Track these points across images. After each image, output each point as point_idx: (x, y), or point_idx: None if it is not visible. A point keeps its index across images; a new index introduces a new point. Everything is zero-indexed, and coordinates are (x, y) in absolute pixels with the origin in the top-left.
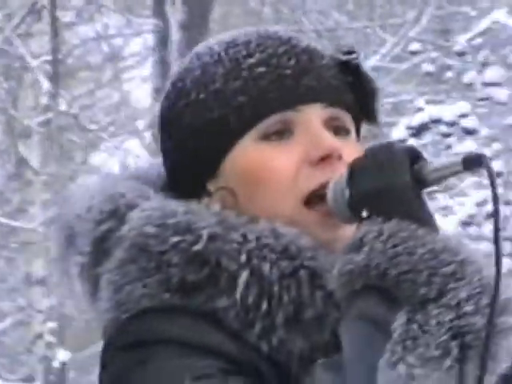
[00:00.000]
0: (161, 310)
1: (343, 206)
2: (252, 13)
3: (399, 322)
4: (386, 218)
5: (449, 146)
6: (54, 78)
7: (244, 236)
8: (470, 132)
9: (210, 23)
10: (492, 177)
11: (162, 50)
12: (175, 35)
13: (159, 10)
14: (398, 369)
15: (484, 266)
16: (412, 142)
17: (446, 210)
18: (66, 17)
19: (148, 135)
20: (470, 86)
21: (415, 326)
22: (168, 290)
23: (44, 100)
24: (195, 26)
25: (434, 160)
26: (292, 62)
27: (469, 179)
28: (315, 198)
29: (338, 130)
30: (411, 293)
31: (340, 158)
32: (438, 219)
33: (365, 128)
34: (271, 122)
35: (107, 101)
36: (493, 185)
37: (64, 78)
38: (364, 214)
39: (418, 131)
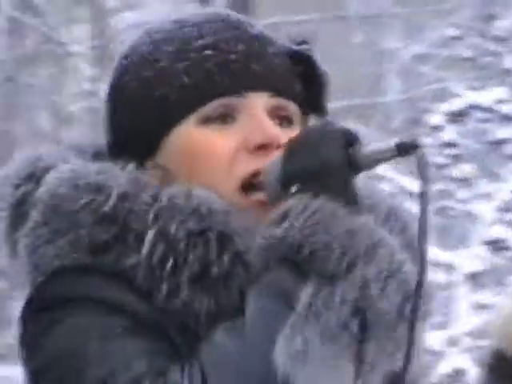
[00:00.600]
0: (73, 269)
1: (275, 183)
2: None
3: (304, 295)
4: (313, 196)
5: (488, 132)
6: (98, 63)
7: (154, 196)
8: (509, 118)
9: (251, 8)
10: (422, 163)
11: None
12: None
13: None
14: (295, 342)
15: (397, 251)
16: (450, 128)
17: (485, 197)
18: (110, 2)
19: None
20: (509, 71)
21: (319, 302)
22: (79, 250)
23: (87, 86)
24: (241, 12)
25: (373, 143)
26: (241, 47)
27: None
28: (251, 186)
29: (282, 120)
30: (321, 268)
31: (279, 147)
32: (477, 205)
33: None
34: (214, 106)
35: None
36: (423, 171)
37: (108, 63)
38: (293, 189)
39: (457, 117)
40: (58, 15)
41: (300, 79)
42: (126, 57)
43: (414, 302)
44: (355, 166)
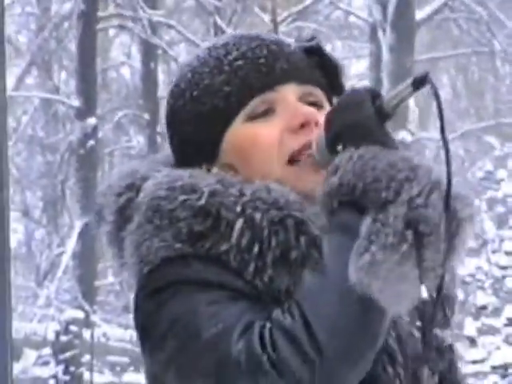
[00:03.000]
0: (176, 257)
1: (323, 150)
2: (452, 38)
3: (365, 223)
4: (356, 147)
5: None
6: None
7: (240, 191)
8: None
9: (416, 46)
10: (435, 91)
11: (376, 71)
12: (386, 57)
13: (374, 37)
14: (364, 257)
15: (434, 168)
16: None
17: None
18: None
19: None
20: None
21: (378, 224)
22: (180, 240)
23: None
24: (402, 49)
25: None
26: (264, 51)
27: None
28: (297, 157)
29: (313, 104)
30: (375, 199)
31: (317, 124)
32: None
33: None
34: (255, 104)
35: None
36: (437, 96)
37: None
38: (339, 148)
39: None
40: None
41: (317, 68)
42: (176, 85)
43: (446, 203)
44: (383, 112)
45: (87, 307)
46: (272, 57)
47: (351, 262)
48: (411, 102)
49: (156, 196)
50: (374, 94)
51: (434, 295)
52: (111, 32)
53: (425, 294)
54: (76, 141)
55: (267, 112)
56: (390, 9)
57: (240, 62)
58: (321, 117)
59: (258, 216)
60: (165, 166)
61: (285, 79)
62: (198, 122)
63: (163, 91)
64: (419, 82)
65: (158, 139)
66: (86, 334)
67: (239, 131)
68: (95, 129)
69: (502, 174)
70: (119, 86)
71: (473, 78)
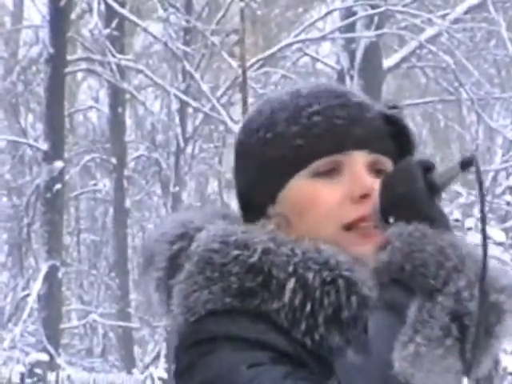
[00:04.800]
0: (223, 311)
1: (378, 215)
2: (419, 86)
3: (412, 309)
4: (407, 222)
5: None
6: None
7: (292, 250)
8: None
9: (383, 94)
10: (479, 174)
11: None
12: None
13: (341, 83)
14: (409, 348)
15: (480, 258)
16: None
17: None
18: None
19: None
20: None
21: (424, 312)
22: (229, 295)
23: None
24: (370, 96)
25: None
26: (344, 112)
27: None
28: (354, 227)
29: (380, 172)
30: (423, 284)
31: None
32: None
33: None
34: (323, 162)
35: None
36: (479, 180)
37: None
38: (391, 220)
39: None
40: (219, 99)
41: (392, 137)
42: (250, 121)
43: (481, 286)
44: (434, 187)
45: (52, 350)
46: (350, 121)
47: (396, 349)
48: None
49: (209, 248)
50: (426, 167)
51: None
52: (79, 76)
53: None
54: (43, 184)
55: (333, 172)
56: (358, 56)
57: (317, 118)
58: None
59: (310, 276)
60: (219, 218)
61: (357, 146)
62: (264, 165)
63: (130, 135)
64: (466, 163)
65: (125, 183)
66: (51, 376)
67: (301, 186)
68: (62, 172)
69: (469, 222)
70: (86, 130)
71: (439, 126)
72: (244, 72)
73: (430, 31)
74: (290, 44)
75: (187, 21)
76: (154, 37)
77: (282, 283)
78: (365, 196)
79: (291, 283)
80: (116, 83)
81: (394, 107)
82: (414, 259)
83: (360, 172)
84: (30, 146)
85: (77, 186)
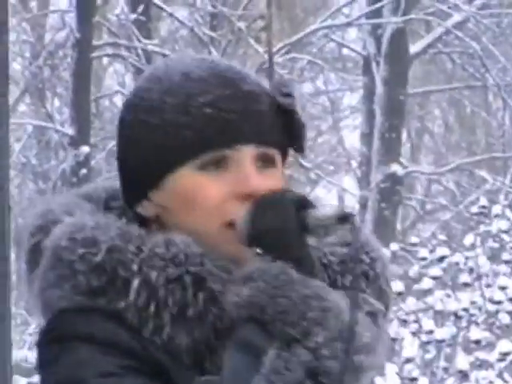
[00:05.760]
0: (76, 310)
1: (244, 238)
2: (445, 72)
3: (269, 355)
4: (273, 258)
5: None
6: None
7: (139, 247)
8: None
9: (410, 80)
10: (355, 233)
11: (369, 103)
12: (379, 90)
13: (367, 70)
14: None
15: (344, 314)
16: None
17: None
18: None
19: (359, 173)
20: None
21: (281, 363)
22: (79, 293)
23: None
24: (396, 82)
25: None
26: (233, 105)
27: None
28: (234, 225)
29: (265, 162)
30: (282, 331)
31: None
32: None
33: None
34: (209, 156)
35: (326, 145)
36: (355, 239)
37: None
38: (258, 250)
39: None
40: None
41: (282, 127)
42: (137, 96)
43: (346, 347)
44: (305, 227)
45: None
46: (239, 114)
47: None
48: (404, 135)
49: (59, 245)
50: (301, 205)
51: None
52: (105, 60)
53: None
54: (69, 169)
55: (219, 167)
56: (384, 42)
57: (208, 110)
58: (269, 179)
59: (153, 275)
60: (90, 201)
61: (246, 140)
62: (145, 151)
63: None
64: (343, 220)
65: None
66: None
67: (186, 179)
68: (88, 157)
69: (496, 209)
70: (112, 115)
71: (465, 112)
72: (270, 58)
73: (456, 17)
74: (317, 30)
75: (213, 6)
76: (180, 22)
77: (127, 282)
78: (249, 196)
79: (135, 283)
80: (142, 68)
81: (287, 95)
82: (277, 304)
83: (246, 169)
84: (56, 130)
85: (103, 171)
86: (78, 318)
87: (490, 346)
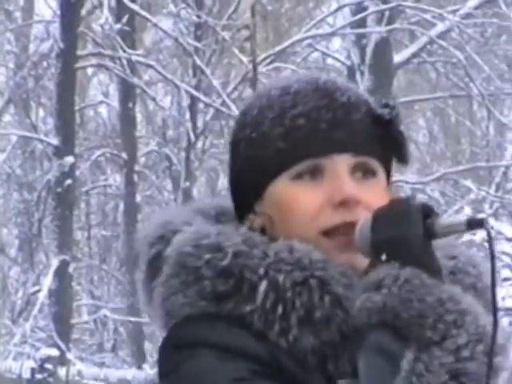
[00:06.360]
0: (201, 316)
1: (366, 248)
2: (429, 81)
3: (407, 358)
4: (401, 265)
5: None
6: None
7: (264, 252)
8: None
9: (394, 89)
10: (490, 238)
11: None
12: None
13: (352, 79)
14: None
15: (480, 316)
16: None
17: None
18: None
19: None
20: None
21: (421, 365)
22: (203, 298)
23: None
24: (380, 92)
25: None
26: (328, 115)
27: None
28: (333, 233)
29: (365, 172)
30: (419, 334)
31: (358, 203)
32: None
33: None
34: (304, 166)
35: None
36: (490, 244)
37: None
38: (383, 257)
39: None
40: (230, 94)
41: (381, 139)
42: (243, 114)
43: (490, 350)
44: (432, 234)
45: (62, 345)
46: (333, 123)
47: None
48: None
49: (183, 252)
50: (427, 211)
51: None
52: (90, 71)
53: None
54: (53, 179)
55: (314, 174)
56: (368, 52)
57: (301, 121)
58: (367, 191)
59: (280, 278)
60: (203, 216)
61: (340, 149)
62: (246, 164)
63: (141, 131)
64: (475, 225)
65: (136, 179)
66: (62, 372)
67: (282, 189)
68: (73, 167)
69: None
70: (97, 125)
71: (449, 122)
72: (254, 67)
73: (440, 26)
74: (301, 39)
75: (198, 16)
76: (165, 32)
77: (254, 286)
78: (345, 202)
79: (263, 285)
80: (126, 78)
81: (386, 106)
82: (412, 309)
83: (341, 177)
84: (41, 141)
85: (87, 181)
86: (202, 325)
87: None
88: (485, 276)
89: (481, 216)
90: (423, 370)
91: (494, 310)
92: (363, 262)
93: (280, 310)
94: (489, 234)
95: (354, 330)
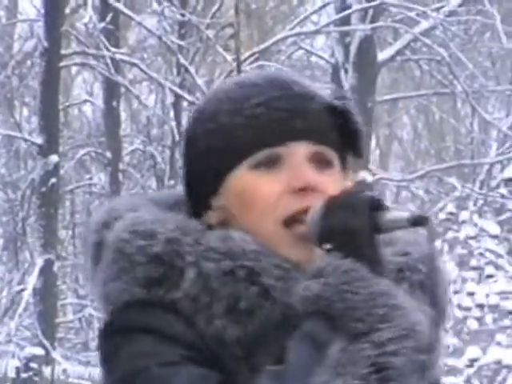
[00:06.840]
0: (137, 302)
1: (314, 236)
2: (413, 79)
3: (335, 348)
4: (343, 256)
5: None
6: None
7: (196, 240)
8: None
9: (378, 87)
10: (431, 236)
11: None
12: None
13: (336, 77)
14: None
15: (412, 313)
16: None
17: None
18: None
19: None
20: None
21: (346, 356)
22: (138, 285)
23: None
24: (364, 89)
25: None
26: (285, 104)
27: None
28: (293, 222)
29: (321, 163)
30: (349, 326)
31: (315, 190)
32: None
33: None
34: (263, 154)
35: None
36: (430, 244)
37: None
38: (327, 246)
39: None
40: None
41: (337, 128)
42: (197, 111)
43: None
44: (377, 228)
45: (47, 344)
46: (290, 112)
47: None
48: (373, 142)
49: (120, 238)
50: (375, 205)
51: None
52: (74, 69)
53: None
54: (38, 178)
55: (272, 163)
56: (352, 50)
57: (259, 110)
58: (325, 179)
59: (208, 266)
60: (155, 204)
61: (298, 137)
62: (203, 156)
63: (125, 129)
64: (416, 223)
65: (120, 177)
66: (47, 370)
67: (241, 178)
68: (57, 166)
69: (463, 215)
70: (81, 124)
71: (434, 119)
72: (238, 66)
73: (424, 24)
74: (285, 37)
75: (182, 14)
76: (149, 30)
77: (182, 274)
78: (304, 189)
79: (190, 273)
80: (111, 77)
81: (342, 97)
82: (346, 300)
83: (299, 164)
84: (25, 140)
85: (72, 180)
86: (139, 311)
87: (459, 352)
88: (434, 273)
89: (423, 214)
90: (347, 361)
91: (438, 309)
92: (321, 254)
93: (206, 299)
94: (430, 232)
95: (284, 320)
